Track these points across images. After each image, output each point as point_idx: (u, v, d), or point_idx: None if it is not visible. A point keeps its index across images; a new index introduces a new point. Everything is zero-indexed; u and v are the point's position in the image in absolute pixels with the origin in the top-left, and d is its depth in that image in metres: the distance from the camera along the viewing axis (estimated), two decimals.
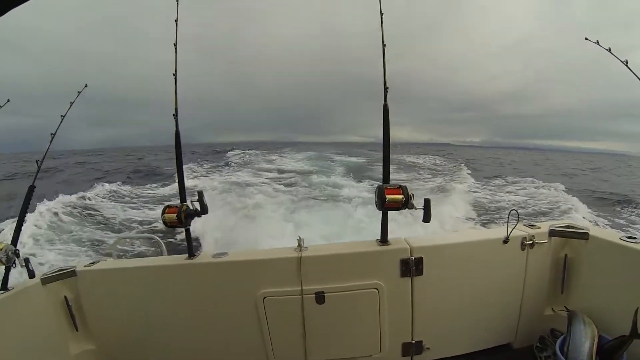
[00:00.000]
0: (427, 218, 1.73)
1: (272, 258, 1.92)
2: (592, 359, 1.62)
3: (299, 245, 1.91)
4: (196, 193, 2.00)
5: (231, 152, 31.28)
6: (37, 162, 2.03)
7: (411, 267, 1.87)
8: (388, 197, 1.69)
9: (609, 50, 2.02)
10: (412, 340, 2.02)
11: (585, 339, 1.72)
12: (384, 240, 1.92)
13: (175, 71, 1.94)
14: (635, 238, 1.80)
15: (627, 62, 1.92)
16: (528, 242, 2.00)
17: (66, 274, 2.04)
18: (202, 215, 1.99)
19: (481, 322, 2.12)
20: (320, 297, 1.84)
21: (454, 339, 2.13)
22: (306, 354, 1.93)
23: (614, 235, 1.91)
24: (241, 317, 1.98)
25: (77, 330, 2.08)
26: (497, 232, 2.04)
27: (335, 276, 1.86)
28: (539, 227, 2.10)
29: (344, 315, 1.90)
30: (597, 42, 2.06)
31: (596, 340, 1.69)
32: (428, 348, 2.06)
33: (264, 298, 1.87)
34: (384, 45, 1.84)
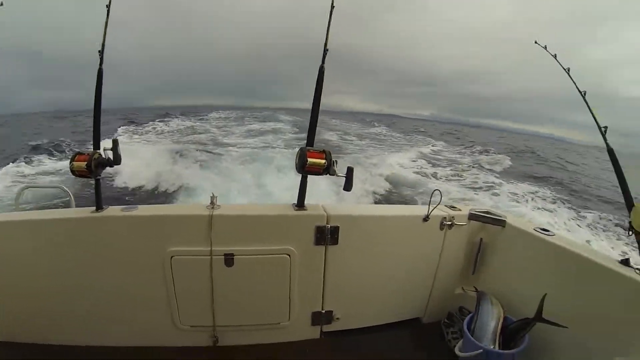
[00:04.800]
0: (348, 186, 1.70)
1: (182, 214, 1.82)
2: (497, 337, 1.76)
3: (212, 202, 1.81)
4: (112, 142, 1.79)
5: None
6: None
7: (326, 235, 1.82)
8: (309, 160, 1.64)
9: (555, 56, 2.11)
10: (322, 309, 2.01)
11: (491, 319, 1.85)
12: (300, 205, 1.86)
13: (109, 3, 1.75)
14: (548, 231, 1.98)
15: (569, 70, 2.02)
16: (447, 223, 2.07)
17: None
18: (114, 166, 1.80)
19: (393, 296, 2.17)
20: (229, 259, 1.76)
21: (364, 310, 2.15)
22: (214, 319, 1.85)
23: (528, 226, 2.06)
24: (148, 277, 1.83)
25: None
26: (418, 209, 2.08)
27: (247, 238, 1.78)
28: (460, 210, 2.17)
29: (253, 280, 1.84)
30: (545, 47, 2.15)
31: (501, 320, 1.84)
32: (338, 318, 2.06)
33: (172, 257, 1.77)
34: (332, 7, 1.75)
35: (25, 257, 1.78)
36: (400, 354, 2.10)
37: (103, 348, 1.94)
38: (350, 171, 1.70)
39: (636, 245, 1.57)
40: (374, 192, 9.40)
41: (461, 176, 12.66)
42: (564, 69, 2.05)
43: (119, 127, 18.64)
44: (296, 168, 1.75)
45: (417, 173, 12.56)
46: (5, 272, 1.79)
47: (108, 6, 1.76)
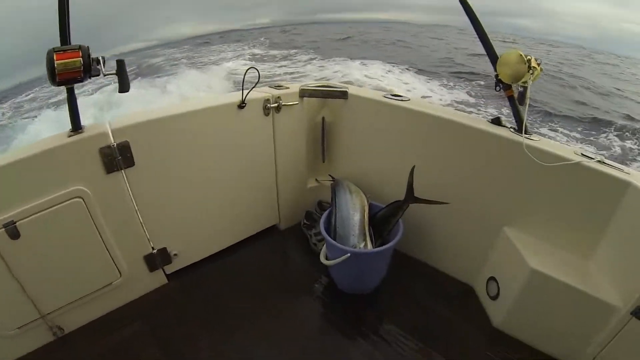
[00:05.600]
0: (124, 86, 1.30)
1: None
2: (366, 231, 1.46)
3: None
4: None
5: None
6: None
7: (116, 157, 1.41)
8: (58, 62, 1.18)
9: None
10: (152, 250, 1.65)
11: (353, 210, 1.54)
12: (75, 128, 1.41)
13: None
14: (401, 96, 1.67)
15: None
16: (273, 105, 1.70)
17: None
18: None
19: (232, 209, 1.82)
20: (12, 230, 1.36)
21: (204, 235, 1.79)
22: (37, 308, 1.46)
23: (376, 94, 1.76)
24: None
25: None
26: (230, 97, 1.65)
27: (22, 194, 1.34)
28: (287, 87, 1.81)
29: (53, 244, 1.44)
30: None
31: (367, 209, 1.54)
32: (176, 254, 1.71)
33: None
34: None
35: None
36: (261, 271, 1.81)
37: None
38: (120, 66, 1.29)
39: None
40: None
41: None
42: None
43: None
44: (49, 80, 1.26)
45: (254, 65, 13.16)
46: None
47: None
